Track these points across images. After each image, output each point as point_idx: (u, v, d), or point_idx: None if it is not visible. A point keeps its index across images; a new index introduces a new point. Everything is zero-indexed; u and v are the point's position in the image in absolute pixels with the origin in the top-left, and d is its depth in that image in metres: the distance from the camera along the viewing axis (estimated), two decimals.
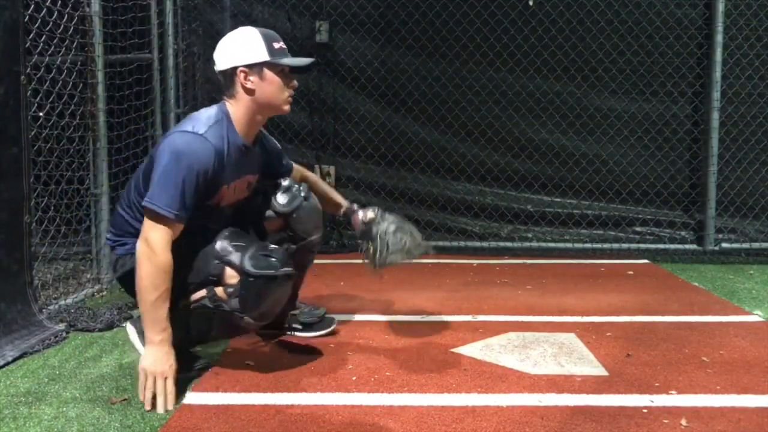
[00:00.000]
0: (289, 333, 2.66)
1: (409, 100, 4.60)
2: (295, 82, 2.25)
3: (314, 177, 2.69)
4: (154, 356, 2.01)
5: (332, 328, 2.69)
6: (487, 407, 1.99)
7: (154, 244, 2.01)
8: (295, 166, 2.61)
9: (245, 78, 2.17)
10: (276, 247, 2.22)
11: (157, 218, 2.03)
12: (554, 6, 4.49)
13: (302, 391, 2.10)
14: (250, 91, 2.19)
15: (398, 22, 4.56)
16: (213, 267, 2.16)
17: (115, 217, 2.36)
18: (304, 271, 2.62)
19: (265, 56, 2.16)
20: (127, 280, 2.25)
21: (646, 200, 4.59)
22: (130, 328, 2.36)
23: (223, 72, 2.22)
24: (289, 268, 2.15)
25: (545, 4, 4.49)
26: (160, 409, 1.96)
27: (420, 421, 1.89)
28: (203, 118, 2.17)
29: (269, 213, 2.41)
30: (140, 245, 2.03)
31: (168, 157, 2.06)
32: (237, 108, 2.22)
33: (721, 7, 4.32)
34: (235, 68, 2.18)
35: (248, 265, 2.09)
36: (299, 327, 2.66)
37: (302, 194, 2.40)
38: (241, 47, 2.18)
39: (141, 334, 2.25)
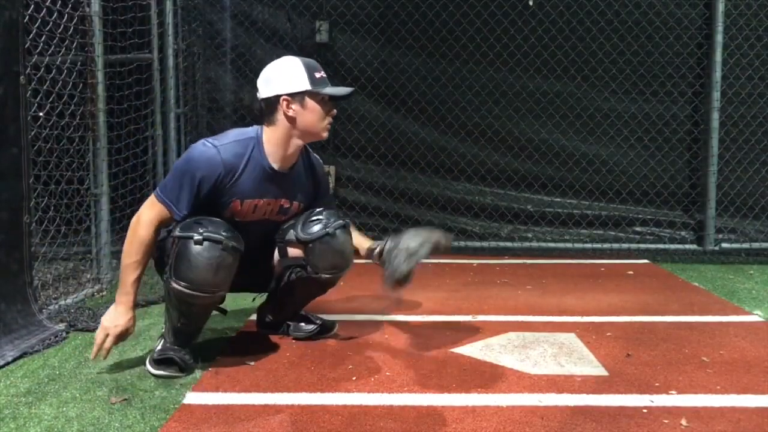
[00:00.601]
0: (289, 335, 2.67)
1: (409, 100, 4.60)
2: (335, 111, 2.35)
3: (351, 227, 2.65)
4: (111, 314, 2.23)
5: (334, 331, 2.68)
6: (487, 407, 1.99)
7: (141, 219, 2.22)
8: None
9: (287, 106, 2.27)
10: (221, 225, 2.20)
11: (154, 202, 2.24)
12: (554, 6, 4.49)
13: (302, 391, 2.10)
14: (291, 119, 2.28)
15: (398, 22, 4.56)
16: (168, 245, 2.25)
17: None
18: (304, 300, 2.62)
19: (307, 86, 2.26)
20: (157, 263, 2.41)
21: (646, 200, 4.59)
22: (147, 365, 2.33)
23: (266, 99, 2.31)
24: (218, 236, 2.13)
25: (545, 4, 4.49)
26: (92, 356, 2.23)
27: (420, 421, 1.89)
28: (231, 135, 2.33)
29: (291, 236, 2.40)
30: (133, 218, 2.25)
31: (182, 158, 2.30)
32: (273, 134, 2.31)
33: (721, 7, 4.32)
34: (278, 96, 2.27)
35: (177, 231, 2.19)
36: (299, 335, 2.65)
37: (328, 229, 2.36)
38: (284, 76, 2.28)
39: (152, 363, 2.28)
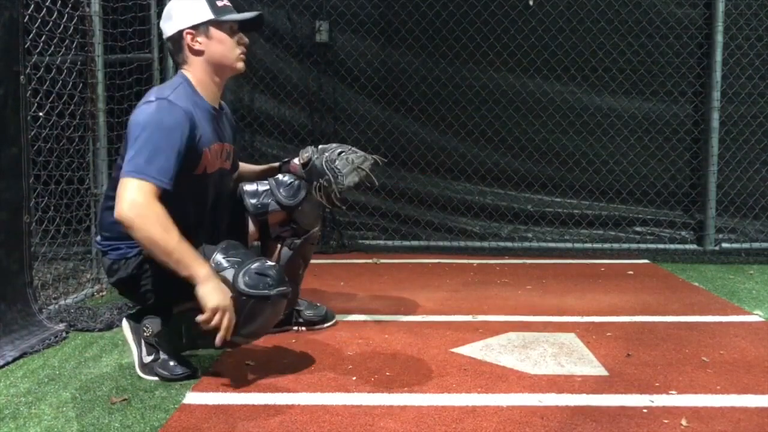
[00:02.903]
0: (294, 329, 2.69)
1: (409, 100, 4.60)
2: (246, 39, 2.23)
3: (243, 164, 2.64)
4: (214, 291, 1.94)
5: (334, 321, 2.75)
6: (487, 407, 1.99)
7: (142, 200, 1.92)
8: None
9: (192, 40, 2.16)
10: (272, 263, 2.10)
11: (139, 184, 1.93)
12: (554, 6, 4.49)
13: (302, 391, 2.10)
14: (199, 53, 2.16)
15: (398, 22, 4.56)
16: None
17: (101, 220, 2.26)
18: (306, 263, 2.66)
19: (209, 15, 2.15)
20: (126, 285, 2.24)
21: (646, 200, 4.58)
22: (125, 324, 2.32)
23: (171, 38, 2.19)
24: (284, 287, 2.05)
25: (545, 4, 4.49)
26: (219, 342, 1.96)
27: (420, 421, 1.89)
28: (165, 86, 2.17)
29: (273, 206, 2.42)
30: (124, 211, 1.91)
31: (140, 127, 2.00)
32: (193, 72, 2.19)
33: (721, 6, 4.32)
34: (180, 32, 2.15)
35: (242, 284, 1.99)
36: (303, 324, 2.70)
37: (303, 189, 2.42)
38: (184, 9, 2.16)
39: (135, 331, 2.26)
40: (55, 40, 3.08)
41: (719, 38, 4.35)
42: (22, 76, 2.65)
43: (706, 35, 4.43)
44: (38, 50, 2.98)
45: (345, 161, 2.36)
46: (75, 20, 3.20)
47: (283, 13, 4.59)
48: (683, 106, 4.53)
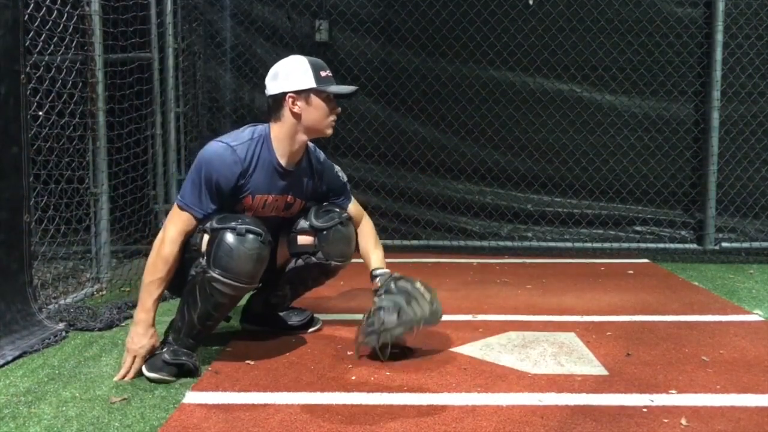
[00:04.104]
0: (273, 330, 2.71)
1: (409, 99, 4.60)
2: (339, 109, 2.43)
3: (367, 227, 2.69)
4: (132, 335, 2.23)
5: (318, 326, 2.76)
6: (487, 407, 1.99)
7: (166, 237, 2.24)
8: (354, 208, 2.65)
9: (293, 103, 2.34)
10: (255, 219, 2.26)
11: (176, 211, 2.28)
12: (554, 5, 4.48)
13: (302, 391, 2.10)
14: (296, 116, 2.35)
15: (398, 21, 4.56)
16: (194, 237, 2.28)
17: None
18: (306, 288, 2.71)
19: (312, 83, 2.33)
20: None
21: (646, 199, 4.58)
22: (143, 369, 2.28)
23: (273, 96, 2.37)
24: (257, 229, 2.19)
25: (545, 3, 4.49)
26: (116, 377, 2.20)
27: (420, 421, 1.89)
28: (243, 134, 2.37)
29: (303, 225, 2.51)
30: (157, 237, 2.27)
31: (196, 161, 2.31)
32: (280, 130, 2.37)
33: (721, 6, 4.32)
34: (284, 93, 2.34)
35: (214, 223, 2.21)
36: (282, 327, 2.72)
37: (341, 219, 2.52)
38: (291, 74, 2.35)
39: (149, 369, 2.24)
40: (54, 39, 3.07)
41: (719, 37, 4.35)
42: (21, 75, 2.65)
43: (706, 34, 4.43)
44: (38, 49, 2.98)
45: (394, 319, 2.34)
46: (75, 19, 3.20)
47: (283, 13, 4.59)
48: (683, 105, 4.53)
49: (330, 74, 2.39)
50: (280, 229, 2.55)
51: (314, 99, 2.34)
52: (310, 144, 2.52)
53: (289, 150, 2.39)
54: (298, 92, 2.33)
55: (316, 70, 2.35)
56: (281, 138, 2.37)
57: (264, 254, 2.23)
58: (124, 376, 2.20)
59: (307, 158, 2.51)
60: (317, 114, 2.36)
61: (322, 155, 2.60)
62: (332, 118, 2.40)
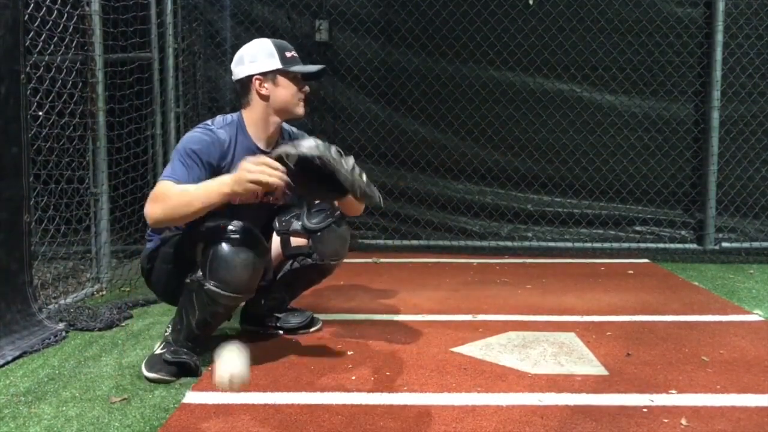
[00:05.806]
0: (273, 332, 2.71)
1: (409, 99, 4.60)
2: (307, 87, 2.42)
3: None
4: (241, 170, 2.01)
5: (318, 326, 2.75)
6: (487, 407, 1.99)
7: (158, 189, 2.12)
8: None
9: (260, 85, 2.34)
10: (247, 225, 2.20)
11: (161, 184, 2.15)
12: (554, 5, 4.48)
13: (302, 391, 2.10)
14: (264, 98, 2.36)
15: (398, 21, 4.56)
16: (188, 248, 2.26)
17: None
18: (304, 288, 2.72)
19: (278, 64, 2.34)
20: (149, 274, 2.41)
21: (646, 199, 4.58)
22: (143, 369, 2.29)
23: (240, 80, 2.38)
24: (251, 238, 2.16)
25: (545, 3, 4.49)
26: (269, 180, 1.98)
27: (420, 420, 1.89)
28: (216, 120, 2.37)
29: (296, 227, 2.50)
30: (146, 206, 2.12)
31: (179, 145, 2.28)
32: (252, 114, 2.38)
33: (721, 6, 4.32)
34: (251, 76, 2.34)
35: (207, 232, 2.17)
36: (282, 328, 2.71)
37: (334, 219, 2.49)
38: (256, 57, 2.35)
39: (149, 369, 2.24)
40: (55, 39, 3.07)
41: (719, 37, 4.35)
42: (22, 75, 2.65)
43: (706, 34, 4.42)
44: (38, 49, 2.98)
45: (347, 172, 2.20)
46: (75, 19, 3.20)
47: (283, 13, 4.59)
48: (683, 105, 4.53)
49: (296, 55, 2.39)
50: (269, 220, 2.53)
51: (281, 79, 2.34)
52: (285, 124, 2.51)
53: (264, 134, 2.39)
54: (264, 74, 2.33)
55: (281, 51, 2.35)
56: (254, 122, 2.37)
57: (259, 264, 2.20)
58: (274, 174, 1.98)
59: (282, 136, 2.49)
60: (285, 94, 2.35)
61: (296, 129, 2.58)
62: (300, 96, 2.39)
